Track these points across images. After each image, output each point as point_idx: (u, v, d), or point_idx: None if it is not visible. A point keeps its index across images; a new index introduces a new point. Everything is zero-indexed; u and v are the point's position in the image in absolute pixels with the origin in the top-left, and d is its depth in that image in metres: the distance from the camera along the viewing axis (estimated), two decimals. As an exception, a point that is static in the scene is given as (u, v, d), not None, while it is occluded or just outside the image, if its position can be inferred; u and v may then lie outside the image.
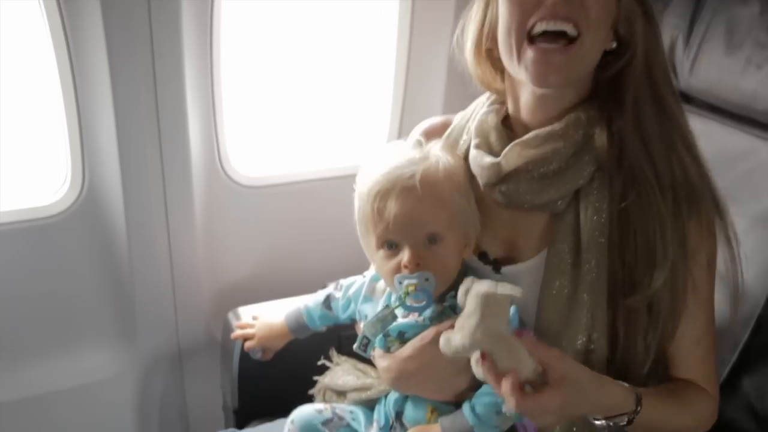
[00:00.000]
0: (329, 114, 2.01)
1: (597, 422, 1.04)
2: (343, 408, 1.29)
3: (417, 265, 1.09)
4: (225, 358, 1.65)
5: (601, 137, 1.07)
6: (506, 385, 0.93)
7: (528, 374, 0.95)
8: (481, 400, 1.09)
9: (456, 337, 0.96)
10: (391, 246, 1.12)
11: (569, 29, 1.01)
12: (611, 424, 1.03)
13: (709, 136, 1.43)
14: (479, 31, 1.13)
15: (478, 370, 0.97)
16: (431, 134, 1.26)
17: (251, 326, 1.48)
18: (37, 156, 1.76)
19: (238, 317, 1.64)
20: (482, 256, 1.18)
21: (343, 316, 1.35)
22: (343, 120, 2.03)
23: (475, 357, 0.96)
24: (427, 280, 1.09)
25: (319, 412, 1.28)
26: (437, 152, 1.15)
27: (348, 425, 1.27)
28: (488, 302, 0.94)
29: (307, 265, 1.91)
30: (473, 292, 0.96)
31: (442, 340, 0.98)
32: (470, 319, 0.94)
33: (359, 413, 1.26)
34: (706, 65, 1.45)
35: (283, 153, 2.00)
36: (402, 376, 1.15)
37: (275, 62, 1.91)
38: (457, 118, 1.26)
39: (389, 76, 1.93)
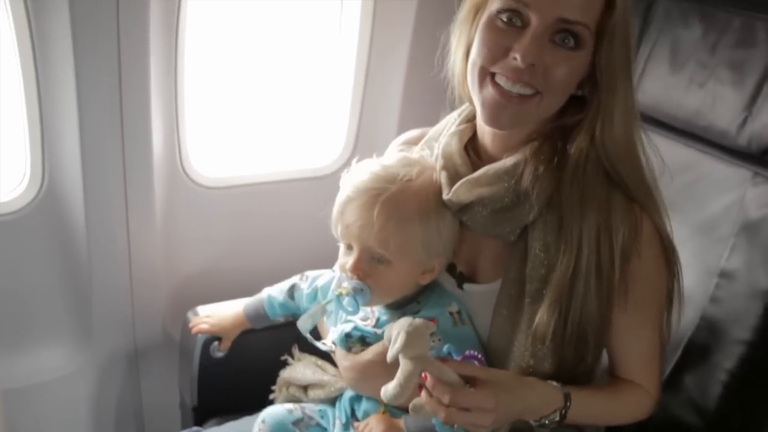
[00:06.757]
0: (288, 118, 2.03)
1: (534, 423, 1.09)
2: (312, 408, 1.32)
3: (359, 273, 1.13)
4: (184, 356, 1.65)
5: (547, 176, 1.07)
6: (436, 390, 0.98)
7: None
8: None
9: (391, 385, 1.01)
10: (348, 247, 1.16)
11: (525, 91, 1.02)
12: (546, 422, 1.08)
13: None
14: (467, 45, 1.11)
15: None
16: (410, 147, 1.27)
17: (207, 317, 1.53)
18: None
19: (197, 315, 1.62)
20: (450, 268, 1.21)
21: (305, 306, 1.37)
22: (301, 124, 2.05)
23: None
24: (361, 290, 1.13)
25: (290, 411, 1.31)
26: (425, 167, 1.16)
27: (317, 424, 1.30)
28: (411, 332, 1.01)
29: (265, 266, 1.91)
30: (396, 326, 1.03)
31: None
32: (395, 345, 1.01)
33: (327, 412, 1.30)
34: (652, 82, 1.51)
35: (242, 155, 2.01)
36: (362, 378, 1.20)
37: (238, 66, 1.92)
38: (432, 131, 1.27)
39: (349, 81, 1.96)
